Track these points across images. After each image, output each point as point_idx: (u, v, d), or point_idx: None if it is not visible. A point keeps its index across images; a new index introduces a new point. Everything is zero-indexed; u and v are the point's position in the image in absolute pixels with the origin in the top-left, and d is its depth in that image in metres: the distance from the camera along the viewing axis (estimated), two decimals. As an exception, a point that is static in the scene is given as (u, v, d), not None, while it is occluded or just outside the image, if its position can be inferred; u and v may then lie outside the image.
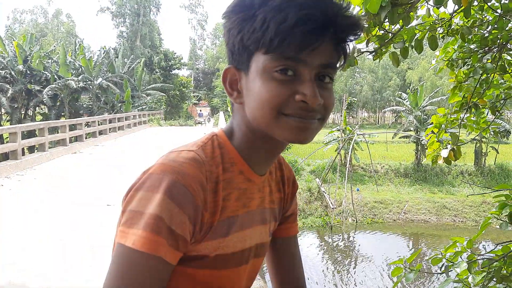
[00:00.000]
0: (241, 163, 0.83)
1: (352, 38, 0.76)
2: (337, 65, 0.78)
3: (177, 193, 0.71)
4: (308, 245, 13.63)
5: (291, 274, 1.04)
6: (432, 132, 3.34)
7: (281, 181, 0.98)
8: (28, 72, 25.07)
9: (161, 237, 0.69)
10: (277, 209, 0.97)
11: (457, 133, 3.14)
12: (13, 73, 24.31)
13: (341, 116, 22.86)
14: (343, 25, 0.73)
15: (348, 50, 0.78)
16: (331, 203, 15.56)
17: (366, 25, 2.54)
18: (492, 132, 3.44)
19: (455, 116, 3.34)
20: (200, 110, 43.86)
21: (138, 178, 0.75)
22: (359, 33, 0.75)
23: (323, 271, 12.06)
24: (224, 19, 0.78)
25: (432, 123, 3.37)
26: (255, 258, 0.90)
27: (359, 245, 14.37)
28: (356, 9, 2.49)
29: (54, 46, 30.16)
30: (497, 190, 2.42)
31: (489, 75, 3.24)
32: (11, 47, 25.87)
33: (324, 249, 13.93)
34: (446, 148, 3.06)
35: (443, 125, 3.25)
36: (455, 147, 3.05)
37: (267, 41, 0.70)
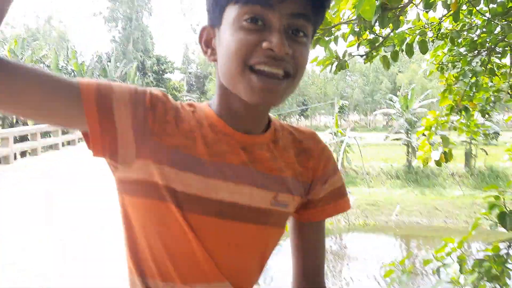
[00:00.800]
0: (214, 117, 0.81)
1: None
2: (314, 18, 0.74)
3: (135, 88, 0.74)
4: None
5: (309, 260, 0.96)
6: (423, 134, 3.38)
7: (304, 154, 0.90)
8: (19, 76, 24.87)
9: (96, 85, 0.71)
10: (294, 180, 0.87)
11: (448, 136, 3.18)
12: (4, 77, 24.12)
13: (333, 119, 22.93)
14: None
15: (326, 3, 0.75)
16: (324, 205, 15.59)
17: (357, 29, 2.58)
18: (482, 134, 3.49)
19: (446, 118, 3.38)
20: None
21: None
22: None
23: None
24: None
25: (422, 125, 3.41)
26: (256, 224, 0.81)
27: (352, 247, 14.41)
28: (347, 14, 2.53)
29: (46, 51, 29.94)
30: (487, 191, 2.46)
31: (478, 78, 3.29)
32: (3, 51, 25.64)
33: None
34: (437, 150, 3.09)
35: (433, 128, 3.29)
36: (446, 150, 3.09)
37: None
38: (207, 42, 0.81)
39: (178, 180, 0.74)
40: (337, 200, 0.93)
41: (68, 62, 27.88)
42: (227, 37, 0.72)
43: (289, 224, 0.97)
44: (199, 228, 0.77)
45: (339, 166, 16.08)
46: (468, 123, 3.39)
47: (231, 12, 0.72)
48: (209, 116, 0.81)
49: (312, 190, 0.91)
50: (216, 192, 0.77)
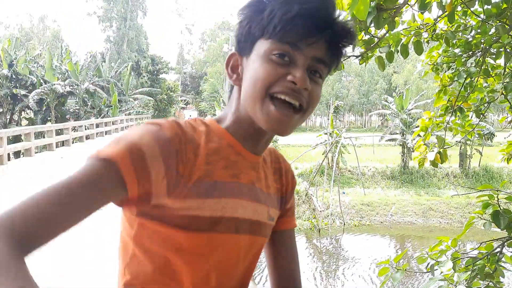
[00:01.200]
0: (229, 138, 0.87)
1: (346, 44, 0.84)
2: (329, 65, 0.84)
3: (158, 135, 0.75)
4: (297, 249, 13.62)
5: (287, 266, 1.06)
6: (419, 135, 3.39)
7: (278, 173, 1.02)
8: (14, 76, 24.73)
9: (118, 146, 0.72)
10: (275, 196, 0.99)
11: (443, 136, 3.19)
12: (-3, 77, 23.98)
13: (328, 119, 22.98)
14: (341, 30, 0.81)
15: (340, 56, 0.85)
16: (319, 206, 15.62)
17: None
18: (477, 134, 3.51)
19: (441, 119, 3.39)
20: (190, 116, 43.31)
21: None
22: (352, 42, 0.84)
23: (313, 274, 12.09)
24: (238, 15, 0.86)
25: (418, 126, 3.42)
26: (251, 234, 0.89)
27: (347, 248, 14.44)
28: (342, 14, 2.53)
29: (40, 51, 29.80)
30: (481, 191, 2.47)
31: (473, 79, 3.30)
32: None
33: (312, 252, 13.97)
34: (433, 151, 3.10)
35: (429, 129, 3.30)
36: (441, 150, 3.10)
37: (271, 27, 0.78)
38: (234, 68, 0.89)
39: (204, 208, 0.80)
40: (294, 216, 1.08)
41: (62, 61, 27.77)
42: (256, 66, 0.81)
43: None
44: (219, 245, 0.84)
45: (334, 167, 16.12)
46: (463, 124, 3.40)
47: (262, 45, 0.81)
48: (225, 136, 0.87)
49: (284, 204, 1.04)
50: (236, 210, 0.85)
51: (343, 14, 0.85)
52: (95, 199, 0.71)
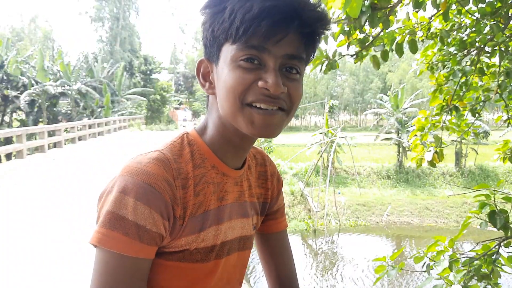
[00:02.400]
0: (212, 158, 0.86)
1: (320, 32, 0.79)
2: (305, 58, 0.80)
3: (144, 193, 0.73)
4: (292, 249, 13.60)
5: (283, 268, 1.07)
6: (416, 135, 3.36)
7: (263, 177, 1.01)
8: (5, 77, 24.51)
9: (117, 232, 0.72)
10: (258, 203, 0.99)
11: (440, 136, 3.16)
12: (-12, 79, 23.77)
13: (323, 119, 22.99)
14: (309, 18, 0.75)
15: (316, 43, 0.80)
16: (315, 206, 15.59)
17: (347, 29, 2.54)
18: (472, 134, 3.48)
19: (437, 118, 3.37)
20: (185, 117, 42.84)
21: (109, 183, 0.78)
22: (326, 27, 0.78)
23: (309, 274, 12.06)
24: (201, 15, 0.81)
25: (414, 125, 3.39)
26: (239, 251, 0.92)
27: (343, 248, 14.43)
28: (336, 13, 2.49)
29: (32, 51, 29.58)
30: (477, 190, 2.44)
31: (468, 78, 3.28)
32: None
33: (308, 252, 13.94)
34: (430, 151, 3.07)
35: (426, 128, 3.27)
36: (437, 150, 3.07)
37: (233, 31, 0.73)
38: (205, 75, 0.85)
39: (198, 241, 0.82)
40: (284, 216, 1.09)
41: (54, 62, 27.61)
42: (225, 75, 0.76)
43: (255, 240, 1.08)
44: (211, 271, 0.86)
45: (330, 167, 16.11)
46: (459, 123, 3.37)
47: (228, 51, 0.76)
48: (208, 156, 0.86)
49: (271, 208, 1.05)
50: (225, 234, 0.87)
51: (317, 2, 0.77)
52: (136, 279, 0.75)
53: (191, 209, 0.80)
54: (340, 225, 15.95)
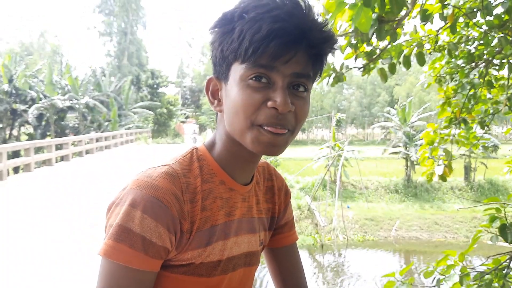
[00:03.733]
0: (221, 173, 0.87)
1: (327, 52, 0.81)
2: (312, 76, 0.82)
3: (151, 206, 0.75)
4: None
5: (294, 282, 1.06)
6: (425, 149, 3.32)
7: (270, 191, 1.02)
8: (14, 91, 24.83)
9: (123, 244, 0.73)
10: (266, 219, 1.00)
11: (449, 149, 3.13)
12: (-2, 93, 24.05)
13: (330, 132, 22.95)
14: (316, 39, 0.77)
15: (324, 62, 0.82)
16: (322, 220, 15.46)
17: (354, 42, 2.53)
18: (481, 147, 3.44)
19: (446, 132, 3.34)
20: (194, 131, 42.45)
21: (118, 195, 0.79)
22: (333, 47, 0.80)
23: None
24: (210, 34, 0.83)
25: (422, 138, 3.36)
26: (245, 266, 0.93)
27: (351, 264, 14.24)
28: (344, 25, 2.48)
29: (40, 65, 29.97)
30: (487, 204, 2.40)
31: (476, 90, 3.26)
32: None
33: (315, 268, 13.78)
34: (440, 165, 3.03)
35: (435, 143, 3.24)
36: (445, 163, 3.03)
37: (242, 51, 0.75)
38: (213, 93, 0.87)
39: (204, 255, 0.83)
40: (293, 230, 1.09)
41: (62, 76, 27.93)
42: (235, 93, 0.78)
43: (264, 255, 1.09)
44: (216, 285, 0.87)
45: (338, 181, 16.01)
46: (467, 136, 3.33)
47: (237, 70, 0.78)
48: (217, 171, 0.87)
49: (278, 222, 1.05)
50: (231, 250, 0.88)
51: (319, 18, 0.78)
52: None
53: (198, 224, 0.81)
54: (348, 240, 15.77)
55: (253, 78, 0.76)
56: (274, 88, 0.76)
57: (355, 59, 2.60)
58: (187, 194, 0.80)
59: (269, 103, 0.76)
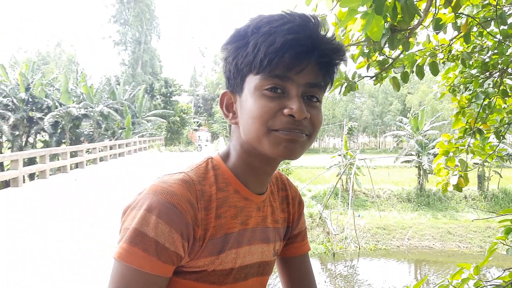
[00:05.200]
0: (235, 182, 0.89)
1: (336, 62, 0.84)
2: (323, 86, 0.85)
3: (166, 212, 0.76)
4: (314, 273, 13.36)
5: None
6: (439, 161, 3.29)
7: (285, 201, 1.04)
8: (30, 99, 25.22)
9: (137, 248, 0.75)
10: (281, 228, 1.01)
11: (465, 160, 3.10)
12: (15, 101, 24.43)
13: (342, 141, 22.85)
14: (327, 50, 0.81)
15: (334, 73, 0.86)
16: (333, 229, 15.35)
17: (366, 51, 2.54)
18: (497, 157, 3.40)
19: (461, 142, 3.31)
20: (207, 139, 42.40)
21: (134, 199, 0.81)
22: (342, 57, 0.83)
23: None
24: (221, 50, 0.86)
25: (434, 147, 3.34)
26: (257, 276, 0.94)
27: (363, 273, 14.10)
28: (356, 35, 2.48)
29: (56, 74, 30.43)
30: (503, 215, 2.37)
31: (491, 100, 3.23)
32: (14, 75, 26.08)
33: (327, 277, 13.66)
34: (455, 175, 3.00)
35: (451, 153, 3.21)
36: (461, 173, 3.00)
37: (257, 62, 0.78)
38: (228, 106, 0.89)
39: (217, 262, 0.84)
40: (305, 240, 1.11)
41: (77, 85, 28.28)
42: (250, 104, 0.81)
43: (276, 264, 1.09)
44: None
45: (350, 189, 15.91)
46: (483, 146, 3.30)
47: (252, 81, 0.81)
48: (231, 180, 0.89)
49: (292, 231, 1.06)
50: (244, 258, 0.89)
51: (330, 30, 0.85)
52: None
53: (211, 231, 0.82)
54: (359, 249, 15.62)
55: (269, 89, 0.79)
56: (289, 97, 0.79)
57: (367, 68, 2.60)
58: (201, 202, 0.82)
59: (285, 111, 0.78)
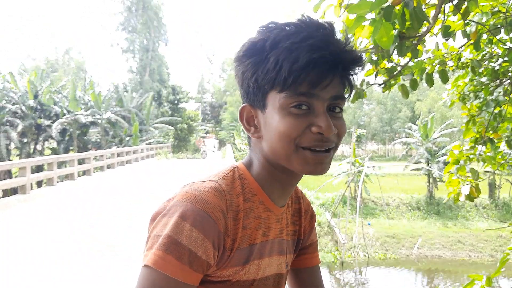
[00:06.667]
0: (260, 193, 0.89)
1: (357, 71, 0.84)
2: (345, 95, 0.85)
3: (200, 220, 0.76)
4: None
5: None
6: (450, 171, 3.23)
7: (297, 214, 1.03)
8: (38, 107, 25.44)
9: (171, 256, 0.74)
10: (292, 241, 1.01)
11: (476, 169, 3.04)
12: (23, 108, 24.65)
13: (350, 148, 22.74)
14: (349, 62, 0.81)
15: (354, 81, 0.85)
16: (342, 237, 15.22)
17: (375, 58, 2.50)
18: (509, 166, 3.34)
19: (472, 151, 3.25)
20: (215, 146, 42.14)
21: (164, 206, 0.80)
22: (361, 66, 0.83)
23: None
24: (236, 63, 0.85)
25: (443, 154, 3.28)
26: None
27: (372, 282, 13.93)
28: (364, 42, 2.44)
29: (64, 82, 30.71)
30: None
31: (502, 108, 3.17)
32: (23, 82, 26.34)
33: (335, 286, 13.52)
34: (467, 184, 2.94)
35: (462, 161, 3.15)
36: (474, 183, 2.93)
37: (281, 80, 0.77)
38: (248, 120, 0.88)
39: (242, 273, 0.85)
40: (316, 252, 1.10)
41: (85, 92, 28.51)
42: (277, 120, 0.80)
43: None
44: None
45: (359, 197, 15.79)
46: (494, 155, 3.23)
47: (276, 99, 0.80)
48: (257, 191, 0.89)
49: (303, 244, 1.06)
50: (265, 270, 0.90)
51: (349, 41, 0.81)
52: None
53: (239, 241, 0.83)
54: (368, 257, 15.46)
55: (295, 106, 0.78)
56: (316, 113, 0.79)
57: (376, 76, 2.56)
58: (231, 211, 0.82)
59: (314, 129, 0.78)
